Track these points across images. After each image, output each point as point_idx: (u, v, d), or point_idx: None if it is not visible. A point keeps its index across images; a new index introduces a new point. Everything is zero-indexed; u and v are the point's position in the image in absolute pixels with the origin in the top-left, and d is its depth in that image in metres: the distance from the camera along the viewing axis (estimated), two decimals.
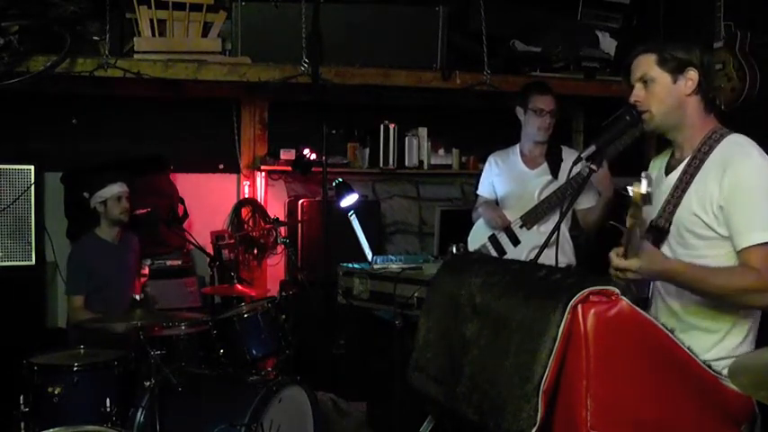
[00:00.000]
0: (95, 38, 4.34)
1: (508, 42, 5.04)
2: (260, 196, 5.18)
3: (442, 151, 5.45)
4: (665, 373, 2.10)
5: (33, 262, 4.43)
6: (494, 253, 3.82)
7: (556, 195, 3.68)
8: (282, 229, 4.88)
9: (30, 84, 4.03)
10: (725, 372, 2.15)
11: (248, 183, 5.17)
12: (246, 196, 5.17)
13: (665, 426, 2.08)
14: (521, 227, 3.77)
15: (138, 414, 3.24)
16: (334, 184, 4.52)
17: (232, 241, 4.90)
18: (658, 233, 2.38)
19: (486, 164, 4.06)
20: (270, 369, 3.74)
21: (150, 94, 4.82)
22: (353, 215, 4.39)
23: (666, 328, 2.17)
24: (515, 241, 3.78)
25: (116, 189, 4.16)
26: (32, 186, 4.41)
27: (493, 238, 3.85)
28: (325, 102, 4.67)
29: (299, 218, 4.95)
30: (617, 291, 2.05)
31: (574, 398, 2.00)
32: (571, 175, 3.33)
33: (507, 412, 2.04)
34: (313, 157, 4.84)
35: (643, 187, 1.91)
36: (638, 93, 2.40)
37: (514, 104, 3.88)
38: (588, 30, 5.24)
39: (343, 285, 4.00)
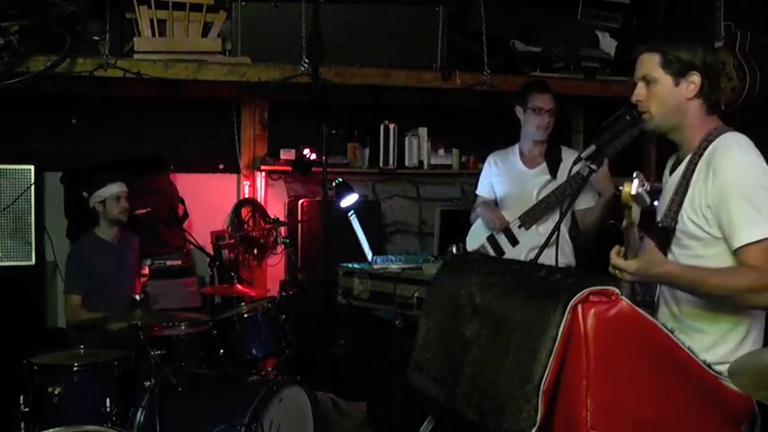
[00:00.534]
0: (95, 38, 4.34)
1: (508, 42, 5.04)
2: (260, 196, 5.19)
3: (442, 151, 5.45)
4: (665, 373, 2.10)
5: (33, 262, 4.43)
6: (492, 253, 3.82)
7: (554, 195, 3.67)
8: (282, 229, 4.88)
9: (30, 84, 4.03)
10: (725, 372, 2.15)
11: (248, 183, 5.17)
12: (246, 196, 5.17)
13: (665, 426, 2.08)
14: (519, 227, 3.77)
15: (138, 414, 3.24)
16: (334, 184, 4.52)
17: (232, 241, 4.90)
18: (665, 233, 2.37)
19: (485, 164, 4.06)
20: (270, 369, 3.74)
21: (150, 94, 4.82)
22: (353, 215, 4.39)
23: (666, 328, 2.17)
24: (514, 242, 3.77)
25: (115, 189, 4.16)
26: (32, 186, 4.41)
27: (491, 239, 3.85)
28: (326, 102, 4.67)
29: (299, 218, 4.95)
30: (617, 291, 2.05)
31: (574, 398, 2.00)
32: (570, 175, 3.33)
33: (507, 412, 2.04)
34: (313, 157, 4.84)
35: (633, 188, 1.90)
36: (640, 92, 2.39)
37: (514, 104, 3.88)
38: (588, 30, 5.24)
39: (343, 285, 3.99)
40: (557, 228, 2.84)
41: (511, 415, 2.02)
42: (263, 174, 5.18)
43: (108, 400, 3.09)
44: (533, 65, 5.06)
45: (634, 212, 1.94)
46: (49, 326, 4.67)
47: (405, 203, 5.67)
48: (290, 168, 5.04)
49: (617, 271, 2.13)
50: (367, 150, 5.29)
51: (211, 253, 4.70)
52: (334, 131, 5.04)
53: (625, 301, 2.05)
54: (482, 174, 4.07)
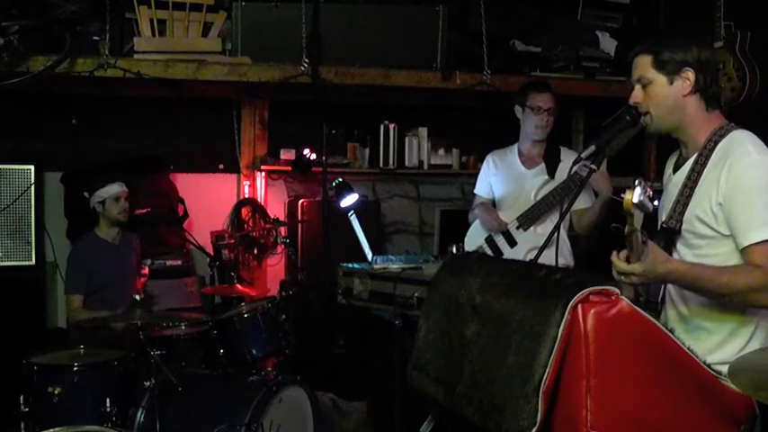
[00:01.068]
0: (95, 38, 4.34)
1: (508, 42, 5.04)
2: (260, 196, 5.18)
3: (442, 151, 5.45)
4: (665, 373, 2.10)
5: (33, 262, 4.43)
6: (490, 254, 3.82)
7: (552, 196, 3.67)
8: (282, 229, 4.88)
9: (30, 84, 4.03)
10: (725, 372, 2.15)
11: (248, 183, 5.17)
12: (246, 196, 5.17)
13: (664, 426, 2.08)
14: (517, 228, 3.77)
15: (138, 414, 3.24)
16: (334, 184, 4.52)
17: (232, 241, 4.90)
18: (670, 234, 2.37)
19: (484, 163, 4.06)
20: (270, 369, 3.74)
21: (150, 94, 4.82)
22: (353, 215, 4.39)
23: (666, 328, 2.17)
24: (512, 243, 3.77)
25: (115, 189, 4.16)
26: (32, 186, 4.41)
27: (489, 240, 3.85)
28: (326, 102, 4.67)
29: (299, 218, 4.94)
30: (617, 291, 2.05)
31: (574, 398, 2.00)
32: (570, 175, 3.32)
33: (507, 412, 2.04)
34: (313, 157, 4.85)
35: (635, 196, 1.90)
36: (637, 94, 2.40)
37: (514, 104, 3.87)
38: (588, 30, 5.24)
39: (343, 285, 3.99)
40: (557, 228, 2.83)
41: (511, 415, 2.02)
42: (263, 174, 5.17)
43: (108, 400, 3.09)
44: (533, 65, 5.06)
45: (636, 219, 1.94)
46: (49, 326, 4.67)
47: (405, 203, 5.67)
48: (290, 168, 5.05)
49: (622, 276, 2.12)
50: (367, 150, 5.29)
51: (211, 253, 4.69)
52: (334, 131, 5.04)
53: (625, 301, 2.05)
54: (480, 173, 4.07)
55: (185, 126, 5.12)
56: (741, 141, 2.28)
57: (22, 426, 3.04)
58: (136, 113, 4.99)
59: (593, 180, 3.34)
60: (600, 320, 2.01)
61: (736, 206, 2.21)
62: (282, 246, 4.84)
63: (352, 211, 4.40)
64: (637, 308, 2.07)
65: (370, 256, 4.16)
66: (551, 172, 3.78)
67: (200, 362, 3.73)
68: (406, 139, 5.27)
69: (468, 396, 2.20)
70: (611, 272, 2.15)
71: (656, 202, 2.42)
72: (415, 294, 3.58)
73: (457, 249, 3.57)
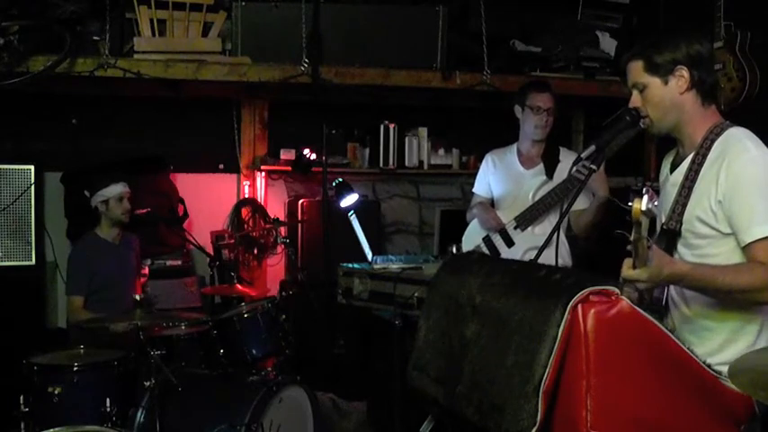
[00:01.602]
0: (95, 38, 4.33)
1: (508, 42, 5.04)
2: (260, 196, 5.19)
3: (442, 151, 5.45)
4: (665, 373, 2.10)
5: (33, 262, 4.43)
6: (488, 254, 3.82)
7: (550, 196, 3.67)
8: (282, 229, 4.88)
9: (30, 84, 4.03)
10: (725, 372, 2.15)
11: (248, 183, 5.17)
12: (246, 196, 5.17)
13: (664, 426, 2.08)
14: (515, 228, 3.77)
15: (138, 414, 3.24)
16: (334, 184, 4.52)
17: (232, 241, 4.90)
18: (670, 236, 2.36)
19: (483, 162, 4.06)
20: (270, 369, 3.74)
21: (150, 94, 4.82)
22: (353, 215, 4.39)
23: (666, 328, 2.17)
24: (510, 243, 3.77)
25: (118, 189, 4.17)
26: (32, 186, 4.41)
27: (487, 240, 3.85)
28: (326, 102, 4.68)
29: (299, 218, 4.94)
30: (617, 291, 2.05)
31: (574, 398, 2.00)
32: (569, 175, 3.32)
33: (507, 412, 2.04)
34: (313, 157, 4.85)
35: (643, 204, 1.90)
36: (635, 100, 2.40)
37: (514, 104, 3.87)
38: (588, 30, 5.24)
39: (343, 285, 3.99)
40: (556, 228, 2.83)
41: (511, 415, 2.02)
42: (263, 174, 5.17)
43: (108, 400, 3.09)
44: (533, 65, 5.06)
45: (643, 226, 1.95)
46: (49, 326, 4.67)
47: (405, 203, 5.67)
48: (290, 168, 5.05)
49: (629, 284, 2.11)
50: (367, 150, 5.29)
51: (211, 253, 4.70)
52: (334, 131, 5.04)
53: (625, 301, 2.05)
54: (479, 172, 4.07)
55: (185, 126, 5.12)
56: (738, 138, 2.28)
57: (22, 426, 3.04)
58: (136, 113, 4.99)
59: (590, 180, 3.33)
60: (600, 320, 2.01)
61: (737, 204, 2.21)
62: (282, 246, 4.84)
63: (352, 211, 4.40)
64: (637, 308, 2.07)
65: (370, 256, 4.16)
66: (550, 172, 3.78)
67: (200, 362, 3.73)
68: (406, 139, 5.27)
69: (468, 396, 2.20)
70: (610, 272, 2.15)
71: (655, 203, 2.42)
72: (415, 294, 3.58)
73: (456, 249, 3.57)
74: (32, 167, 4.43)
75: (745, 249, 2.21)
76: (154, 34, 4.48)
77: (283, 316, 3.84)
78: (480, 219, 3.90)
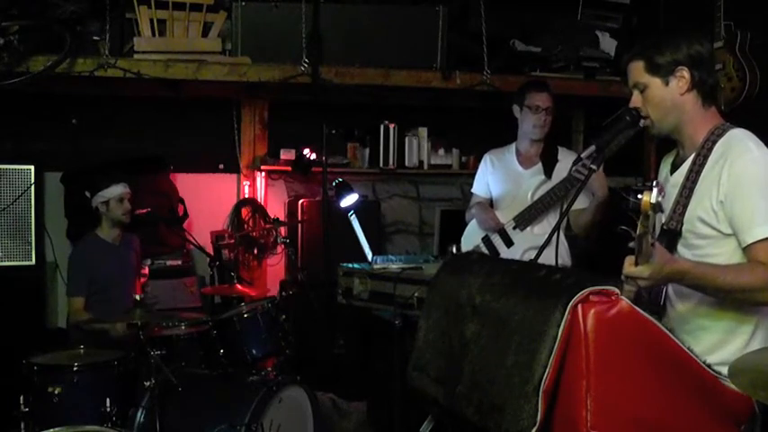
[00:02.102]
0: (95, 38, 4.33)
1: (508, 42, 5.04)
2: (260, 196, 5.18)
3: (442, 151, 5.45)
4: (665, 373, 2.10)
5: (33, 262, 4.43)
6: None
7: (549, 196, 3.67)
8: (282, 229, 4.88)
9: (30, 84, 4.03)
10: (725, 372, 2.15)
11: (248, 183, 5.17)
12: (246, 196, 5.17)
13: (665, 426, 2.08)
14: (514, 228, 3.77)
15: (138, 414, 3.24)
16: (334, 184, 4.52)
17: (232, 241, 4.90)
18: (670, 236, 2.36)
19: (482, 162, 4.06)
20: (270, 369, 3.74)
21: (150, 94, 4.82)
22: (353, 215, 4.39)
23: (666, 328, 2.17)
24: (509, 243, 3.77)
25: (119, 190, 4.17)
26: (32, 186, 4.41)
27: (486, 240, 3.85)
28: (326, 102, 4.67)
29: (299, 218, 4.94)
30: (617, 291, 2.05)
31: (574, 398, 2.00)
32: (569, 175, 3.32)
33: (507, 412, 2.04)
34: (313, 157, 4.85)
35: (653, 197, 1.90)
36: (635, 100, 2.40)
37: (512, 104, 3.87)
38: (588, 30, 5.24)
39: (343, 285, 3.99)
40: (556, 228, 2.83)
41: (511, 415, 2.02)
42: (263, 174, 5.17)
43: (108, 400, 3.09)
44: (533, 65, 5.06)
45: (651, 220, 1.94)
46: (49, 326, 4.67)
47: (405, 203, 5.67)
48: (289, 168, 5.05)
49: (630, 280, 2.10)
50: (367, 150, 5.29)
51: (211, 253, 4.70)
52: (334, 131, 5.04)
53: (625, 301, 2.05)
54: (478, 172, 4.07)
55: (185, 126, 5.12)
56: (740, 139, 2.28)
57: (22, 426, 3.03)
58: (136, 113, 4.99)
59: (590, 180, 3.34)
60: (600, 320, 2.01)
61: (738, 204, 2.21)
62: (282, 246, 4.84)
63: (352, 211, 4.40)
64: (636, 308, 2.07)
65: (370, 256, 4.16)
66: (548, 172, 3.78)
67: (200, 362, 3.73)
68: (406, 139, 5.27)
69: (468, 396, 2.20)
70: (610, 272, 2.15)
71: (663, 196, 2.42)
72: (415, 294, 3.58)
73: (456, 249, 3.56)
74: (32, 167, 4.43)
75: (746, 250, 2.21)
76: (154, 34, 4.48)
77: (283, 316, 3.84)
78: (479, 219, 3.90)
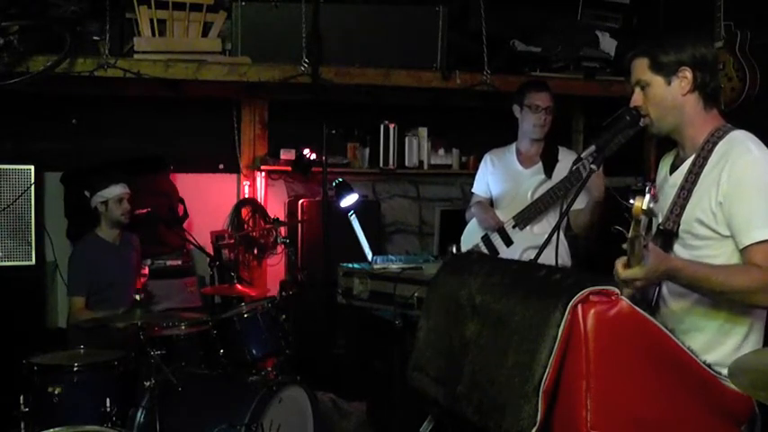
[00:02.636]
0: (95, 38, 4.33)
1: (508, 42, 5.04)
2: (260, 196, 5.18)
3: (442, 151, 5.45)
4: (666, 373, 2.10)
5: (33, 262, 4.42)
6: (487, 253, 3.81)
7: (549, 196, 3.67)
8: (282, 229, 4.88)
9: (30, 84, 4.03)
10: (724, 372, 2.15)
11: (248, 183, 5.17)
12: (246, 196, 5.17)
13: (665, 426, 2.08)
14: (513, 227, 3.77)
15: (138, 414, 3.24)
16: (334, 184, 4.52)
17: (232, 241, 4.90)
18: (667, 236, 2.36)
19: (482, 162, 4.06)
20: (270, 369, 3.74)
21: (150, 94, 4.82)
22: (353, 215, 4.39)
23: (666, 328, 2.17)
24: (508, 242, 3.77)
25: (118, 190, 4.17)
26: (32, 186, 4.41)
27: (486, 239, 3.85)
28: (326, 102, 4.67)
29: (299, 218, 4.95)
30: (617, 291, 2.05)
31: (574, 398, 2.00)
32: (569, 175, 3.32)
33: (507, 412, 2.04)
34: (313, 157, 4.85)
35: (645, 203, 1.91)
36: (637, 97, 2.40)
37: (513, 103, 3.87)
38: (588, 30, 5.24)
39: (343, 285, 4.00)
40: (556, 228, 2.83)
41: (511, 415, 2.02)
42: (263, 174, 5.17)
43: (108, 400, 3.09)
44: (533, 65, 5.06)
45: (642, 225, 1.95)
46: (49, 326, 4.67)
47: (405, 203, 5.67)
48: (289, 168, 5.05)
49: (624, 283, 2.10)
50: (367, 150, 5.29)
51: (211, 253, 4.70)
52: (334, 131, 5.03)
53: (625, 301, 2.05)
54: (478, 172, 4.08)
55: (185, 126, 5.12)
56: (741, 141, 2.28)
57: (22, 426, 3.04)
58: (136, 113, 4.99)
59: (589, 180, 3.33)
60: (600, 320, 2.01)
61: (737, 205, 2.20)
62: (282, 246, 4.84)
63: (352, 211, 4.41)
64: (637, 308, 2.07)
65: (370, 256, 4.16)
66: (548, 172, 3.78)
67: (200, 362, 3.73)
68: (406, 139, 5.27)
69: (468, 396, 2.20)
70: (610, 272, 2.14)
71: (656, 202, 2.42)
72: (415, 294, 3.58)
73: (456, 249, 3.56)
74: (32, 167, 4.42)
75: (743, 252, 2.20)
76: (154, 34, 4.48)
77: (283, 316, 3.84)
78: (479, 218, 3.90)
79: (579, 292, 2.01)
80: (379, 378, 4.05)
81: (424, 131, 5.35)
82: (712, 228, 2.26)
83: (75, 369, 3.17)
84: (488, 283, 2.28)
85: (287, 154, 5.03)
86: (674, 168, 2.45)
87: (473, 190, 4.09)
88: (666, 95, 2.35)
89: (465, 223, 4.04)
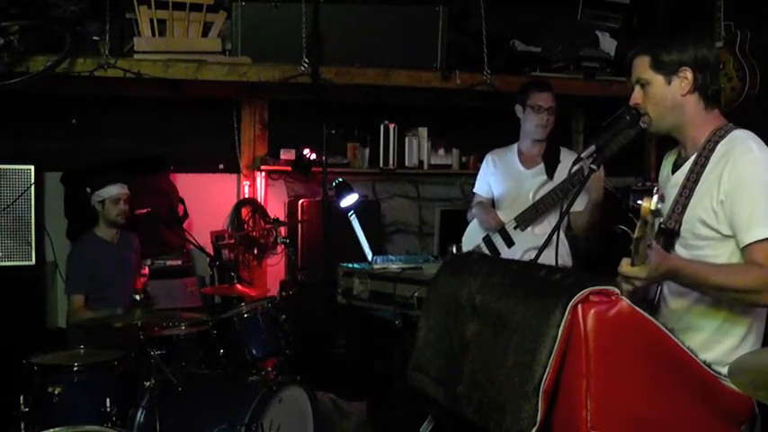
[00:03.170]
0: (95, 38, 4.33)
1: (508, 42, 5.04)
2: (260, 196, 5.19)
3: (442, 151, 5.45)
4: (666, 373, 2.10)
5: (33, 262, 4.43)
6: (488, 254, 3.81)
7: (551, 197, 3.66)
8: (282, 229, 4.88)
9: (30, 84, 4.03)
10: (723, 371, 2.15)
11: (248, 183, 5.17)
12: (246, 196, 5.17)
13: (665, 425, 2.08)
14: (515, 228, 3.77)
15: (138, 414, 3.24)
16: (334, 184, 4.52)
17: (232, 241, 4.90)
18: (668, 236, 2.36)
19: (484, 162, 4.06)
20: (270, 369, 3.73)
21: (150, 94, 4.82)
22: (353, 215, 4.39)
23: (666, 328, 2.17)
24: (509, 243, 3.77)
25: (115, 190, 4.17)
26: (32, 186, 4.41)
27: (487, 240, 3.85)
28: (326, 102, 4.67)
29: (299, 218, 4.95)
30: (617, 291, 2.05)
31: (574, 398, 2.00)
32: (569, 175, 3.31)
33: (507, 412, 2.04)
34: (313, 157, 4.85)
35: (653, 203, 1.91)
36: (636, 96, 2.40)
37: (515, 104, 3.87)
38: (588, 30, 5.24)
39: (343, 285, 4.00)
40: (556, 228, 2.83)
41: (511, 415, 2.02)
42: (263, 174, 5.18)
43: (108, 400, 3.09)
44: (533, 65, 5.06)
45: (649, 225, 1.95)
46: (49, 326, 4.67)
47: (405, 203, 5.67)
48: (290, 168, 5.05)
49: (627, 281, 2.10)
50: (367, 150, 5.29)
51: (211, 253, 4.70)
52: (334, 131, 5.03)
53: (625, 301, 2.05)
54: (480, 172, 4.07)
55: (185, 126, 5.12)
56: (743, 140, 2.28)
57: (22, 426, 3.03)
58: (136, 113, 4.99)
59: (588, 182, 3.33)
60: (600, 320, 2.01)
61: (738, 203, 2.20)
62: (282, 246, 4.84)
63: (352, 211, 4.41)
64: (637, 308, 2.07)
65: (370, 256, 4.16)
66: (550, 172, 3.78)
67: (200, 362, 3.73)
68: (406, 139, 5.27)
69: (468, 396, 2.20)
70: (610, 272, 2.15)
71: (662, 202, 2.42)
72: (415, 294, 3.58)
73: (456, 249, 3.56)
74: (32, 167, 4.43)
75: (744, 251, 2.20)
76: (154, 34, 4.48)
77: (283, 316, 3.84)
78: (480, 219, 3.90)
79: (579, 292, 2.01)
80: (379, 378, 4.05)
81: (424, 131, 5.35)
82: (714, 227, 2.26)
83: (75, 369, 3.17)
84: (488, 283, 2.28)
85: (287, 154, 5.03)
86: (675, 168, 2.45)
87: (475, 190, 4.09)
88: (666, 95, 2.35)
89: (465, 223, 4.04)
